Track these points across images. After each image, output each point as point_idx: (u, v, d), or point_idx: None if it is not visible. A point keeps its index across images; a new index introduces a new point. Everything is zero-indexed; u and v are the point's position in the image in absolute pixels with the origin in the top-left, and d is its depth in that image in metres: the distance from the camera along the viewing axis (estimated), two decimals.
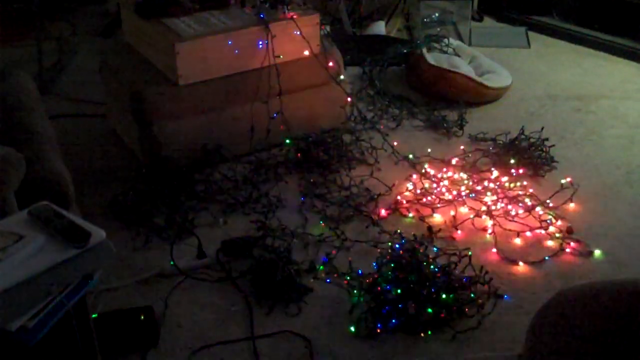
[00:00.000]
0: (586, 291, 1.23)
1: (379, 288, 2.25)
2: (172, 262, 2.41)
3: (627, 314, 1.13)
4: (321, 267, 2.44)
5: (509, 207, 2.75)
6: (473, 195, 2.82)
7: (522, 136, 3.18)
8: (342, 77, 3.17)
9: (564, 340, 1.18)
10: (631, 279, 1.21)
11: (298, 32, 3.00)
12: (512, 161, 3.01)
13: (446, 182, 2.90)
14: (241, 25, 2.95)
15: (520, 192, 2.84)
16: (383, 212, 2.72)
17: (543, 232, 2.64)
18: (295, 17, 3.00)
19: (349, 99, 3.23)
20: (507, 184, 2.88)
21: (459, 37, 4.28)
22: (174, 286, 2.35)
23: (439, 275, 2.29)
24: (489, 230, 2.64)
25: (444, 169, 2.99)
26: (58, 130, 2.41)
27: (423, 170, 2.98)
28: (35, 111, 2.37)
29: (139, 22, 3.05)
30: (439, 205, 2.77)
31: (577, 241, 2.59)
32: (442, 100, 3.57)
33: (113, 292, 2.31)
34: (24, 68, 2.87)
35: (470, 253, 2.44)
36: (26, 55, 3.88)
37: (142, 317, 2.13)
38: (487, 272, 2.37)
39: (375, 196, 2.81)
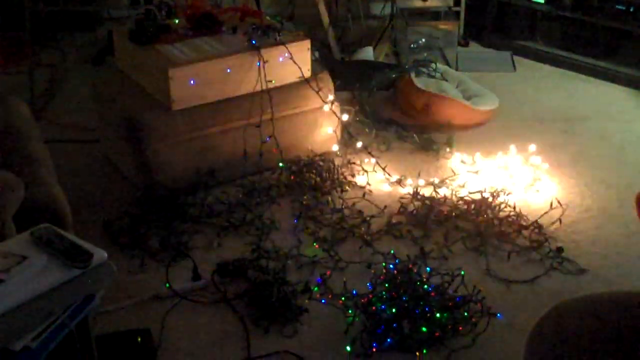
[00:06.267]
0: (582, 303, 1.26)
1: (374, 308, 2.27)
2: (167, 285, 2.42)
3: (622, 323, 1.16)
4: (316, 288, 2.46)
5: (500, 227, 2.79)
6: (464, 215, 2.85)
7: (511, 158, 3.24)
8: (332, 99, 3.21)
9: (561, 351, 1.20)
10: (625, 290, 1.24)
11: (289, 57, 3.05)
12: (501, 183, 3.05)
13: (436, 204, 2.93)
14: (234, 51, 3.00)
15: (511, 213, 2.88)
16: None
17: (534, 252, 2.68)
18: (286, 42, 3.05)
19: (339, 123, 3.27)
20: (497, 205, 2.92)
21: (446, 62, 4.34)
22: (170, 308, 2.36)
23: (432, 294, 2.33)
24: (481, 250, 2.67)
25: (434, 191, 3.03)
26: (51, 156, 2.43)
27: (414, 192, 3.02)
28: (32, 136, 2.39)
29: (132, 48, 3.09)
30: (431, 226, 2.80)
31: (567, 260, 2.63)
32: (431, 124, 3.61)
33: (109, 315, 2.31)
34: (16, 95, 2.88)
35: (462, 273, 2.47)
36: (17, 83, 3.90)
37: (140, 340, 2.14)
38: (479, 291, 2.40)
39: (368, 218, 2.84)
